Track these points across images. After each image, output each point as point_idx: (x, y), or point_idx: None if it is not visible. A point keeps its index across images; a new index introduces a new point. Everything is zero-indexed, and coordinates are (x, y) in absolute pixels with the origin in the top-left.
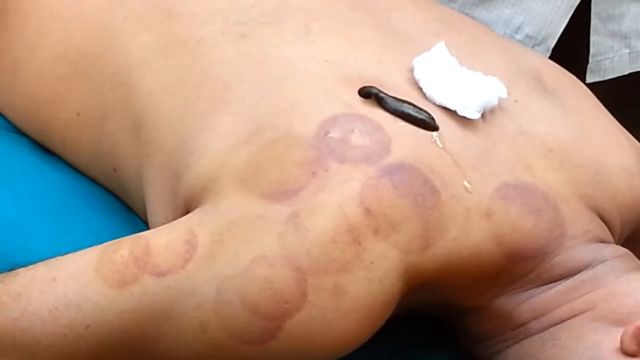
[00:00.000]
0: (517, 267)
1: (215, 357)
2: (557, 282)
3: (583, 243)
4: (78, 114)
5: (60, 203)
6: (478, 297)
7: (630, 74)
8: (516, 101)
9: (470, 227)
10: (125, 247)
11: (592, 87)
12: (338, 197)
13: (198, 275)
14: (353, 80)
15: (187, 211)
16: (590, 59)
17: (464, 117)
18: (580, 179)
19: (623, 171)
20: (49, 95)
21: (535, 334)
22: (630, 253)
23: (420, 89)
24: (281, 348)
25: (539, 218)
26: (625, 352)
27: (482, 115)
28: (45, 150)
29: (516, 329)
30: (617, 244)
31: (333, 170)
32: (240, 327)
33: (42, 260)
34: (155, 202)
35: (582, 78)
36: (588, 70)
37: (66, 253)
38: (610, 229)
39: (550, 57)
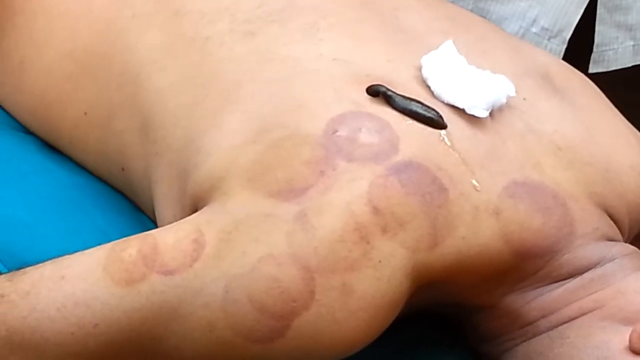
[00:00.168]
0: (526, 265)
1: (223, 355)
2: (566, 281)
3: (592, 241)
4: (85, 113)
5: (68, 202)
6: (486, 295)
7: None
8: (525, 99)
9: (479, 225)
10: (133, 246)
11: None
12: (346, 195)
13: (206, 274)
14: (361, 79)
15: (194, 210)
16: (595, 49)
17: (472, 116)
18: (589, 177)
19: (632, 169)
20: (56, 95)
21: (543, 332)
22: (639, 251)
23: (429, 87)
24: (289, 347)
25: (548, 216)
26: (634, 351)
27: (491, 114)
28: (52, 149)
29: (524, 328)
30: (625, 242)
31: (341, 168)
32: (247, 326)
33: (50, 259)
34: (163, 201)
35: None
36: (592, 60)
37: (74, 252)
38: (619, 227)
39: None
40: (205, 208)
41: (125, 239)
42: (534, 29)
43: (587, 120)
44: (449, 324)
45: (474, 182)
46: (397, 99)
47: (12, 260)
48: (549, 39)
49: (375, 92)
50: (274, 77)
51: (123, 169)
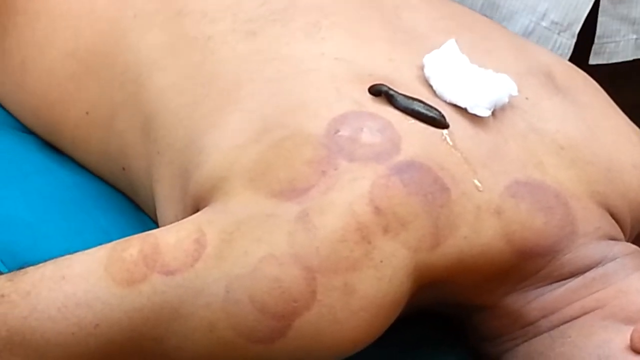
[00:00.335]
0: (528, 265)
1: (224, 356)
2: (568, 280)
3: (594, 240)
4: (87, 113)
5: (69, 202)
6: (488, 295)
7: None
8: (527, 99)
9: (481, 225)
10: (134, 246)
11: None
12: (348, 195)
13: (207, 274)
14: (363, 78)
15: (196, 210)
16: (596, 40)
17: (475, 115)
18: (591, 176)
19: (634, 168)
20: (58, 94)
21: (544, 332)
22: None
23: (431, 86)
24: (290, 347)
25: (550, 216)
26: (636, 350)
27: (493, 113)
28: (54, 149)
29: (526, 327)
30: (627, 241)
31: (343, 168)
32: (249, 326)
33: (51, 258)
34: (165, 201)
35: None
36: (592, 51)
37: (75, 252)
38: (621, 227)
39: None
40: (206, 208)
41: (126, 238)
42: (544, 23)
43: (590, 119)
44: (450, 323)
45: (476, 181)
46: (399, 98)
47: (13, 260)
48: (559, 33)
49: (377, 91)
50: (276, 77)
51: (124, 169)
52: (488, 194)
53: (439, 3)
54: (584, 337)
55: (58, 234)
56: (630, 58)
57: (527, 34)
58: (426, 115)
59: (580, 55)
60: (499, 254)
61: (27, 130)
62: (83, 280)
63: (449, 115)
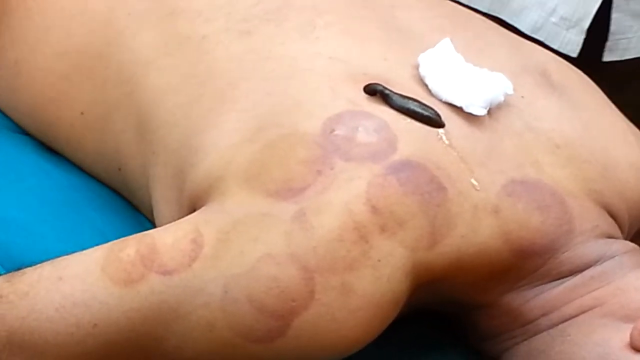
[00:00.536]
0: (525, 263)
1: (223, 355)
2: (566, 278)
3: (591, 239)
4: (82, 113)
5: (65, 203)
6: (486, 294)
7: None
8: (522, 97)
9: (478, 224)
10: (131, 246)
11: None
12: (344, 195)
13: (204, 274)
14: (358, 77)
15: (192, 210)
16: (610, 37)
17: (470, 114)
18: (587, 174)
19: (631, 166)
20: (52, 94)
21: (544, 330)
22: (639, 248)
23: (426, 85)
24: (289, 346)
25: (547, 214)
26: (635, 348)
27: (489, 112)
28: (49, 149)
29: (525, 326)
30: (625, 239)
31: (339, 168)
32: (247, 326)
33: (48, 259)
34: (161, 201)
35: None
36: (606, 48)
37: (72, 252)
38: (618, 225)
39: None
40: (203, 208)
41: (123, 239)
42: (553, 19)
43: (585, 118)
44: (449, 323)
45: (473, 181)
46: (395, 97)
47: (10, 262)
48: (567, 29)
49: (373, 90)
50: (271, 76)
51: (120, 169)
52: (485, 193)
53: (435, 2)
54: (584, 335)
55: (54, 234)
56: None
57: (536, 29)
58: (422, 115)
59: (595, 54)
60: (497, 253)
61: (22, 131)
62: (80, 281)
63: (445, 114)
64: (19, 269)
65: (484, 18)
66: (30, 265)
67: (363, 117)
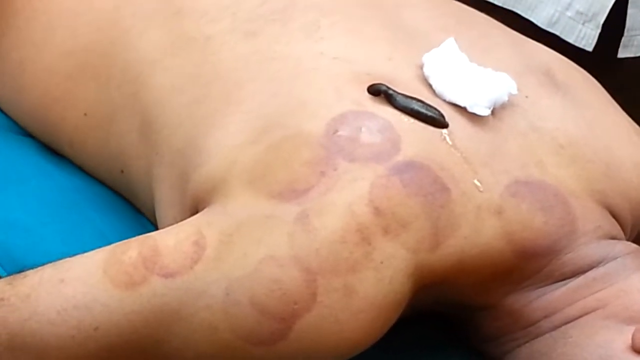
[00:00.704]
0: (528, 264)
1: (225, 358)
2: (569, 280)
3: (594, 240)
4: (85, 114)
5: (67, 205)
6: (489, 295)
7: None
8: (526, 97)
9: (481, 225)
10: (133, 248)
11: None
12: (347, 196)
13: (207, 276)
14: (362, 78)
15: (195, 211)
16: (625, 33)
17: (474, 114)
18: (591, 174)
19: (635, 166)
20: (56, 95)
21: (546, 332)
22: None
23: (430, 85)
24: (291, 349)
25: (550, 215)
26: (637, 350)
27: (493, 112)
28: (52, 151)
29: (527, 328)
30: (628, 240)
31: (342, 169)
32: (249, 328)
33: (50, 262)
34: (164, 202)
35: None
36: (621, 44)
37: (74, 255)
38: (621, 225)
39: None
40: (206, 209)
41: (125, 241)
42: (568, 13)
43: (589, 118)
44: (452, 324)
45: (476, 181)
46: (398, 98)
47: (11, 264)
48: (583, 23)
49: (376, 91)
50: (275, 77)
51: (123, 171)
52: (488, 194)
53: (438, 1)
54: (586, 337)
55: (56, 237)
56: None
57: (552, 23)
58: (425, 115)
59: (611, 50)
60: (500, 254)
61: (24, 133)
62: (82, 283)
63: (449, 114)
64: (20, 271)
65: (488, 17)
66: (31, 268)
67: (367, 118)
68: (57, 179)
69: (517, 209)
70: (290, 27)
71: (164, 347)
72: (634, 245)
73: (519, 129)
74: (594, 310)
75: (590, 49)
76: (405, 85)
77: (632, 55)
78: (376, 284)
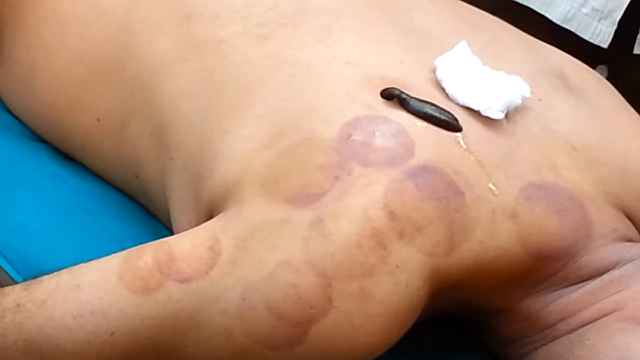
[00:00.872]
0: (544, 268)
1: None
2: (585, 282)
3: (610, 242)
4: (98, 120)
5: (82, 210)
6: (505, 298)
7: None
8: (540, 100)
9: (496, 228)
10: (148, 254)
11: None
12: (362, 200)
13: (222, 281)
14: (375, 82)
15: (210, 216)
16: None
17: (488, 117)
18: (605, 177)
19: None
20: (68, 101)
21: (563, 335)
22: None
23: (443, 89)
24: (307, 353)
25: (565, 218)
26: None
27: (506, 115)
28: (65, 156)
29: (544, 331)
30: None
31: (356, 173)
32: (265, 333)
33: (65, 267)
34: (178, 207)
35: None
36: (637, 41)
37: (89, 260)
38: (637, 228)
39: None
40: (220, 215)
41: (140, 246)
42: (584, 10)
43: (603, 120)
44: (467, 328)
45: (491, 185)
46: (412, 101)
47: (27, 269)
48: (599, 20)
49: (390, 95)
50: (287, 81)
51: (137, 176)
52: (503, 198)
53: (451, 4)
54: (603, 339)
55: (71, 242)
56: None
57: (567, 20)
58: (439, 119)
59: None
60: (515, 258)
61: (38, 139)
62: (97, 289)
63: (462, 118)
64: (36, 277)
65: (500, 20)
66: (47, 273)
67: (380, 122)
68: (72, 184)
69: (532, 213)
70: (301, 31)
71: (179, 352)
72: None
73: (533, 132)
74: (610, 312)
75: (605, 45)
76: (418, 89)
77: None
78: (392, 288)
